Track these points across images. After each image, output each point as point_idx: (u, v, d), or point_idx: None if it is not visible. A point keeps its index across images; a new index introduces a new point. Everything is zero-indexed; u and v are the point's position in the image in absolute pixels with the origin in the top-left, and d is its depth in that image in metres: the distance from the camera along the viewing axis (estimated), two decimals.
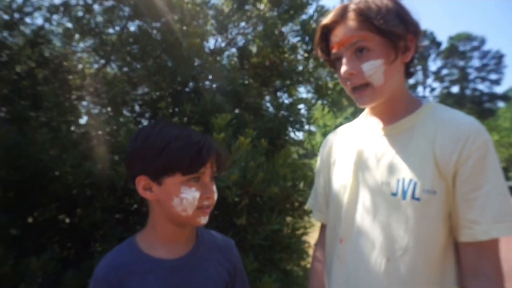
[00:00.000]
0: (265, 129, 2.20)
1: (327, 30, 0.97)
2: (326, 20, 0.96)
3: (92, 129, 2.20)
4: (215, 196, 0.92)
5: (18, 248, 1.72)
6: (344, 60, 0.93)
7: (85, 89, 2.69)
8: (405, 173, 0.89)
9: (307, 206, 1.28)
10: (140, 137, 0.89)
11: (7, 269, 1.48)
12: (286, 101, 2.69)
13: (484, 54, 41.75)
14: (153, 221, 0.93)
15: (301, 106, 2.51)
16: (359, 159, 1.01)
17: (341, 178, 1.05)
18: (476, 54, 42.10)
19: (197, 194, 0.86)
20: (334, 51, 0.96)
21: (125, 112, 2.62)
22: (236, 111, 2.39)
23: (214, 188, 0.92)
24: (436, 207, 0.86)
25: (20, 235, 1.97)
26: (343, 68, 0.93)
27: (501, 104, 40.71)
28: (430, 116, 0.94)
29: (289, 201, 1.57)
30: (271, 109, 2.55)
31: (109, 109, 2.30)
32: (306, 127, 2.50)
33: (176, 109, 2.37)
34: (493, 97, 42.05)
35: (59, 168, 1.89)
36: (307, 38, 2.35)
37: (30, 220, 2.16)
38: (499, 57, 41.30)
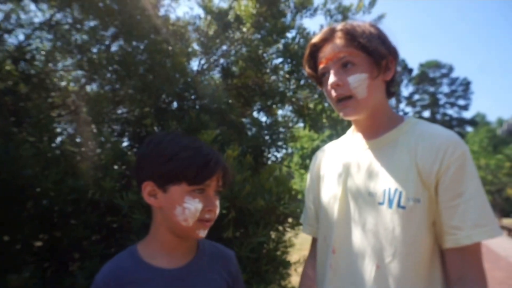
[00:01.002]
0: (247, 148, 2.26)
1: (316, 49, 1.07)
2: (315, 39, 1.06)
3: (75, 145, 2.19)
4: (217, 211, 0.93)
5: None
6: (331, 72, 1.01)
7: (68, 106, 2.68)
8: (390, 183, 0.95)
9: (301, 220, 1.32)
10: (151, 143, 0.93)
11: None
12: (268, 121, 2.76)
13: (453, 81, 43.87)
14: (154, 230, 0.95)
15: (282, 126, 2.59)
16: (346, 171, 1.07)
17: (330, 191, 1.11)
18: (445, 80, 44.14)
19: (199, 206, 0.88)
20: (322, 65, 1.04)
21: (107, 129, 2.62)
22: (218, 130, 2.43)
23: (217, 202, 0.93)
24: (420, 214, 0.92)
25: None
26: (331, 79, 1.01)
27: (469, 129, 42.49)
28: (411, 130, 1.01)
29: (274, 214, 1.61)
30: (253, 129, 2.61)
31: (92, 126, 2.30)
32: (284, 148, 2.57)
33: (160, 127, 2.39)
34: (462, 122, 43.91)
35: (40, 184, 1.87)
36: (288, 60, 2.45)
37: (6, 238, 2.09)
38: (466, 84, 43.45)
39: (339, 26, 1.04)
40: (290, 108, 2.85)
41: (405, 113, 44.73)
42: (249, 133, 2.47)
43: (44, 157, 1.92)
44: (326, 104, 2.61)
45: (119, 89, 2.72)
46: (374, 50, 0.98)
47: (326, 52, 1.03)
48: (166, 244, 0.93)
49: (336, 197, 1.07)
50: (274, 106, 2.64)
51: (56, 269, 2.15)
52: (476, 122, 43.18)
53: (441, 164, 0.91)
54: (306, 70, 1.13)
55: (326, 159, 1.20)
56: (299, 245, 2.70)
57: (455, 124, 43.80)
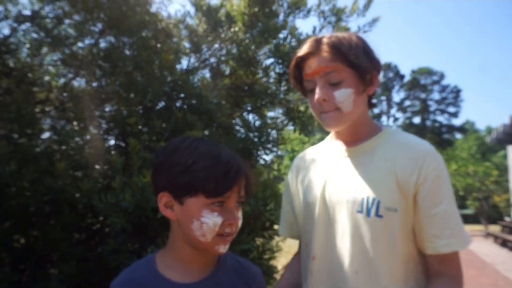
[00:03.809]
0: (236, 150, 2.19)
1: (301, 61, 1.05)
2: (300, 52, 1.05)
3: (55, 143, 2.11)
4: (239, 223, 0.85)
5: None
6: (317, 87, 1.01)
7: (51, 102, 2.59)
8: (368, 192, 0.97)
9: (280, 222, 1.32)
10: (167, 151, 0.85)
11: None
12: (257, 123, 2.70)
13: (443, 88, 44.39)
14: (172, 241, 0.88)
15: (271, 128, 2.53)
16: (325, 178, 1.08)
17: (310, 197, 1.10)
18: (436, 87, 44.67)
19: (219, 220, 0.80)
20: (308, 78, 1.04)
21: (92, 128, 2.53)
22: (207, 131, 2.37)
23: (240, 214, 0.86)
24: (397, 223, 0.95)
25: None
26: (317, 94, 1.00)
27: (458, 136, 43.04)
28: (388, 140, 1.04)
29: (259, 221, 1.55)
30: (242, 130, 2.55)
31: (75, 123, 2.21)
32: (275, 150, 2.51)
33: (146, 127, 2.32)
34: (451, 128, 44.44)
35: (16, 183, 1.78)
36: (280, 61, 2.40)
37: None
38: (456, 92, 44.00)
39: (325, 38, 1.02)
40: (281, 110, 2.80)
41: (396, 119, 45.17)
42: (238, 134, 2.41)
43: (21, 154, 1.84)
44: None
45: (105, 86, 2.64)
46: (360, 66, 0.99)
47: (312, 65, 1.02)
48: (183, 257, 0.86)
49: (315, 204, 1.07)
50: (264, 107, 2.58)
51: (33, 270, 2.07)
52: (465, 129, 43.74)
53: (419, 174, 0.95)
54: (291, 82, 1.12)
55: (305, 164, 1.20)
56: (287, 249, 2.64)
57: (445, 131, 44.31)
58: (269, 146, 2.41)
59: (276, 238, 2.35)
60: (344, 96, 0.98)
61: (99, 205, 1.54)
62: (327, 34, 1.04)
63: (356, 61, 0.98)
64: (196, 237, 0.81)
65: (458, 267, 0.98)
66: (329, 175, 1.07)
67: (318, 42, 1.02)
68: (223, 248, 0.83)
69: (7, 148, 1.77)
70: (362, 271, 0.96)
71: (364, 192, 0.98)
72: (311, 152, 1.23)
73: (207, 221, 0.79)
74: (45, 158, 1.91)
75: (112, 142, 2.63)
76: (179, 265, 0.86)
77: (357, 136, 1.07)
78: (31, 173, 1.76)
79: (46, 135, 2.52)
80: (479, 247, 13.40)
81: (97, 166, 1.96)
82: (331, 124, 1.03)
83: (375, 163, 1.01)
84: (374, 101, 1.12)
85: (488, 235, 15.90)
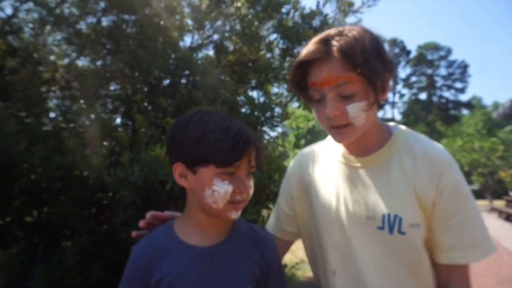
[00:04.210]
0: None
1: (306, 65, 0.94)
2: (306, 55, 0.92)
3: (63, 122, 2.15)
4: (251, 191, 0.89)
5: None
6: (328, 100, 0.91)
7: (56, 81, 2.62)
8: (389, 208, 0.93)
9: (271, 219, 1.26)
10: (179, 125, 0.89)
11: None
12: (261, 99, 2.71)
13: (450, 64, 43.64)
14: (188, 209, 0.94)
15: (276, 104, 2.54)
16: (339, 190, 1.02)
17: (325, 211, 1.04)
18: (443, 63, 43.92)
19: (229, 188, 0.84)
20: (315, 87, 0.93)
21: (98, 107, 2.57)
22: (212, 107, 2.39)
23: (251, 183, 0.89)
24: (419, 237, 0.93)
25: None
26: (329, 108, 0.91)
27: (465, 112, 42.60)
28: (404, 147, 0.98)
29: (264, 192, 1.60)
30: (247, 106, 2.57)
31: (81, 101, 2.25)
32: (280, 126, 2.53)
33: (151, 104, 2.35)
34: (458, 104, 43.95)
35: (27, 160, 1.83)
36: (283, 36, 2.39)
37: None
38: (464, 67, 43.26)
39: (334, 40, 0.90)
40: (285, 86, 2.80)
41: (402, 95, 44.51)
42: (243, 110, 2.43)
43: (30, 132, 1.88)
44: None
45: (110, 65, 2.66)
46: (374, 75, 0.89)
47: (321, 73, 0.91)
48: (199, 223, 0.92)
49: (329, 216, 1.02)
50: (268, 83, 2.59)
51: (47, 245, 2.14)
52: (472, 105, 43.23)
53: (436, 187, 0.91)
54: (292, 88, 1.00)
55: (312, 168, 1.12)
56: None
57: (451, 107, 43.85)
58: (274, 122, 2.43)
59: None
60: (357, 110, 0.90)
61: (109, 179, 1.58)
62: (334, 32, 0.91)
63: (370, 71, 0.88)
64: (208, 204, 0.85)
65: (467, 279, 0.95)
66: (343, 188, 1.02)
67: (326, 44, 0.90)
68: (234, 215, 0.87)
69: (15, 127, 1.81)
70: (387, 286, 0.95)
71: (384, 208, 0.94)
72: (314, 155, 1.15)
73: (218, 189, 0.83)
74: (54, 136, 1.95)
75: (118, 120, 2.67)
76: (196, 230, 0.91)
77: (369, 144, 1.00)
78: (41, 151, 1.81)
79: (52, 114, 2.56)
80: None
81: (105, 143, 2.01)
82: (344, 139, 0.96)
83: (393, 175, 0.95)
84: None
85: (492, 210, 15.98)
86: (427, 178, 0.92)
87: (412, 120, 43.89)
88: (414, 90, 45.11)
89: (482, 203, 21.72)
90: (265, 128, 2.51)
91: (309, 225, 1.10)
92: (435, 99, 44.18)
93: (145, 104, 2.12)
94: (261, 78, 2.47)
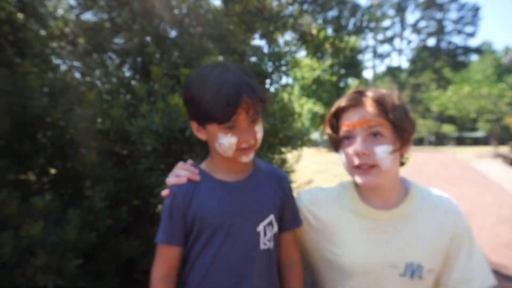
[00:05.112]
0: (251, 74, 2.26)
1: (341, 111, 1.08)
2: (342, 103, 1.06)
3: (80, 75, 2.20)
4: (258, 135, 0.99)
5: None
6: (359, 140, 1.02)
7: (66, 36, 2.63)
8: (412, 257, 1.05)
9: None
10: (185, 87, 1.00)
11: (12, 208, 1.55)
12: (270, 48, 2.72)
13: (461, 6, 41.80)
14: (211, 154, 1.07)
15: (284, 53, 2.56)
16: (361, 241, 1.09)
17: (341, 258, 1.10)
18: (453, 6, 42.08)
19: (233, 140, 0.95)
20: (347, 128, 1.05)
21: (108, 59, 2.60)
22: (222, 57, 2.42)
23: (257, 128, 0.99)
24: (434, 279, 1.08)
25: (14, 180, 2.02)
26: (358, 146, 1.01)
27: (474, 58, 41.49)
28: (421, 204, 1.11)
29: (277, 137, 1.69)
30: (256, 55, 2.59)
31: (95, 55, 2.29)
32: (286, 74, 2.56)
33: (162, 56, 2.38)
34: (467, 50, 42.70)
35: (50, 114, 1.92)
36: None
37: (21, 168, 2.19)
38: (475, 10, 41.47)
39: (368, 92, 1.04)
40: (293, 34, 2.80)
41: (409, 41, 42.98)
42: (252, 60, 2.46)
43: (50, 87, 1.95)
44: (329, 31, 2.56)
45: (117, 18, 2.65)
46: (402, 125, 1.01)
47: (355, 116, 1.03)
48: (222, 164, 1.05)
49: (351, 265, 1.09)
50: (276, 32, 2.59)
51: (71, 194, 2.29)
52: (482, 50, 41.96)
53: (453, 234, 1.07)
54: (326, 131, 1.13)
55: (326, 215, 1.16)
56: (301, 171, 2.83)
57: (460, 53, 42.64)
58: (282, 70, 2.47)
59: (291, 160, 2.53)
60: (385, 153, 0.99)
61: (130, 129, 1.68)
62: (366, 89, 1.07)
63: (399, 120, 1.00)
64: (220, 153, 0.99)
65: None
66: (363, 237, 1.08)
67: (360, 95, 1.04)
68: (245, 158, 1.00)
69: (37, 82, 1.88)
70: None
71: (408, 257, 1.05)
72: (327, 202, 1.18)
73: (223, 142, 0.96)
74: (73, 90, 2.02)
75: (128, 73, 2.71)
76: (221, 170, 1.05)
77: (390, 197, 1.10)
78: (62, 104, 1.89)
79: (64, 68, 2.61)
80: (487, 167, 13.68)
81: (120, 96, 2.08)
82: (370, 181, 1.02)
83: (414, 226, 1.07)
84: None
85: (497, 155, 16.13)
86: (443, 227, 1.07)
87: (419, 67, 42.96)
88: (422, 36, 43.68)
89: (487, 149, 21.84)
90: (274, 76, 2.55)
91: (324, 271, 1.17)
92: (443, 45, 42.87)
93: (157, 55, 2.16)
94: (269, 27, 2.47)
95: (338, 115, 1.09)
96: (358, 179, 1.04)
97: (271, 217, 1.05)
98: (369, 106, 1.02)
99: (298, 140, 1.75)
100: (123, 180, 1.96)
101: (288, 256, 1.13)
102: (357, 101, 1.04)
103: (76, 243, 1.56)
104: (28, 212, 1.66)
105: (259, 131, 1.00)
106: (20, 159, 2.11)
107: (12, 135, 1.99)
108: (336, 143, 1.12)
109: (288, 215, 1.11)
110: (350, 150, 1.04)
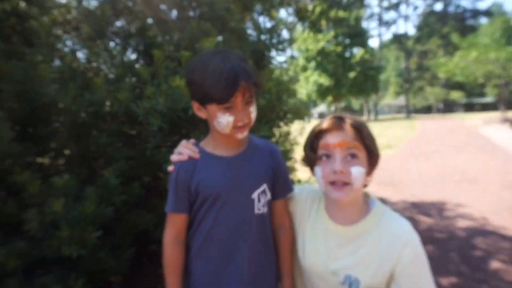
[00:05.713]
0: (249, 52, 2.35)
1: (322, 133, 1.19)
2: (324, 125, 1.18)
3: (86, 61, 2.31)
4: (252, 116, 1.14)
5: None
6: (338, 159, 1.14)
7: (69, 22, 2.72)
8: (352, 271, 1.16)
9: None
10: (188, 71, 1.14)
11: (35, 188, 1.71)
12: (268, 25, 2.78)
13: None
14: (211, 131, 1.22)
15: (282, 28, 2.62)
16: (322, 247, 1.24)
17: (310, 258, 1.27)
18: None
19: (231, 118, 1.09)
20: (327, 148, 1.16)
21: (111, 44, 2.69)
22: (221, 37, 2.49)
23: (251, 109, 1.13)
24: None
25: (32, 162, 2.17)
26: (336, 165, 1.13)
27: (483, 20, 40.28)
28: (376, 225, 1.19)
29: (274, 112, 1.80)
30: (254, 33, 2.65)
31: (99, 41, 2.38)
32: (284, 50, 2.63)
33: (163, 38, 2.46)
34: (476, 13, 41.44)
35: (62, 100, 2.04)
36: None
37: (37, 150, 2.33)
38: None
39: (346, 118, 1.17)
40: (290, 9, 2.84)
41: (416, 7, 41.50)
42: (250, 38, 2.53)
43: (60, 74, 2.06)
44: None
45: (117, 1, 2.71)
46: (374, 151, 1.17)
47: (336, 138, 1.15)
48: (220, 140, 1.19)
49: (311, 267, 1.25)
50: (273, 8, 2.64)
51: (87, 174, 2.44)
52: (492, 13, 40.65)
53: (393, 267, 1.12)
54: (306, 152, 1.24)
55: (307, 213, 1.32)
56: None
57: (469, 16, 41.43)
58: (281, 47, 2.54)
59: (294, 133, 2.64)
60: (359, 173, 1.13)
61: (137, 110, 1.80)
62: (345, 115, 1.19)
63: (373, 146, 1.16)
64: (219, 131, 1.13)
65: None
66: (323, 244, 1.23)
67: (340, 120, 1.17)
68: (240, 135, 1.15)
69: (47, 70, 1.99)
70: None
71: (349, 270, 1.16)
72: (315, 201, 1.33)
73: (222, 121, 1.10)
74: (80, 76, 2.13)
75: (133, 56, 2.80)
76: (219, 146, 1.20)
77: (351, 215, 1.21)
78: (72, 90, 2.01)
79: (69, 55, 2.70)
80: (494, 133, 13.64)
81: (126, 79, 2.19)
82: (342, 197, 1.14)
83: (360, 246, 1.17)
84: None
85: (505, 120, 16.02)
86: (389, 253, 1.13)
87: (426, 33, 41.93)
88: (429, 1, 42.40)
89: (495, 114, 21.61)
90: (272, 53, 2.63)
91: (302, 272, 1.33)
92: (451, 9, 41.63)
93: (159, 38, 2.25)
94: (266, 4, 2.52)
95: (319, 135, 1.21)
96: (333, 194, 1.16)
97: (264, 186, 1.21)
98: (349, 131, 1.15)
99: (294, 114, 1.86)
100: (133, 158, 2.10)
101: (280, 221, 1.30)
102: (338, 125, 1.16)
103: (95, 217, 1.72)
104: (49, 191, 1.81)
105: (253, 111, 1.15)
106: (37, 143, 2.25)
107: (27, 120, 2.13)
108: (311, 161, 1.24)
109: (280, 184, 1.27)
110: (328, 167, 1.16)
